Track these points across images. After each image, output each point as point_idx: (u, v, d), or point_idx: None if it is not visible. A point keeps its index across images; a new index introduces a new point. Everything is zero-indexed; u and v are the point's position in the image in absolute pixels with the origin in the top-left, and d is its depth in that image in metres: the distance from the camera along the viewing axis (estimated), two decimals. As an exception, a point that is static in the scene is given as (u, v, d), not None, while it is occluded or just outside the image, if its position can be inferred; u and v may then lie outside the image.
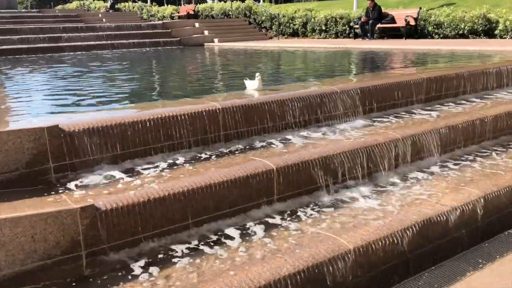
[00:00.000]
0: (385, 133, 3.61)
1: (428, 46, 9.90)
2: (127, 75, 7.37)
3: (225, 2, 21.27)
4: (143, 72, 7.75)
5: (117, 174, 2.75)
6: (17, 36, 12.79)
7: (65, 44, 12.88)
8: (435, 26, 13.13)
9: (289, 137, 3.54)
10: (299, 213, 2.85)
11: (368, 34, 13.70)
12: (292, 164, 3.00)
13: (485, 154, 3.94)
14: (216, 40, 15.51)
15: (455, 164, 3.66)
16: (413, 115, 4.29)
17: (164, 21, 18.93)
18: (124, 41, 13.58)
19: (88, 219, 2.28)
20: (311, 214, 2.83)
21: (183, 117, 3.19)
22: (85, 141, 2.79)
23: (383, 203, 2.96)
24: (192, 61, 10.13)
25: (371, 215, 2.79)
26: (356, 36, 14.39)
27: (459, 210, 2.89)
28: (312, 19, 16.01)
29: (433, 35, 13.18)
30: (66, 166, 2.75)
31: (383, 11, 14.05)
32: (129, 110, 3.74)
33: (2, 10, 24.31)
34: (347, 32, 15.05)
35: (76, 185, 2.58)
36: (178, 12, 22.73)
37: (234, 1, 19.42)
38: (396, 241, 2.58)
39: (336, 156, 3.19)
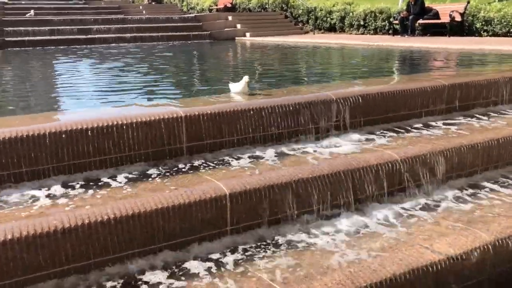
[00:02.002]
0: (380, 152, 2.99)
1: (470, 45, 8.94)
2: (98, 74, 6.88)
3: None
4: (130, 70, 7.23)
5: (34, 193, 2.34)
6: (48, 28, 12.85)
7: (95, 36, 12.83)
8: (484, 23, 11.98)
9: (261, 153, 3.00)
10: (255, 251, 2.33)
11: (408, 31, 12.72)
12: (252, 189, 2.48)
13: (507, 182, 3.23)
14: (248, 34, 15.02)
15: (466, 195, 2.98)
16: (426, 129, 3.62)
17: (197, 13, 18.63)
18: (152, 34, 13.38)
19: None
20: (270, 254, 2.30)
21: (132, 126, 2.74)
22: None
23: (360, 244, 2.37)
24: (209, 57, 9.72)
25: (336, 260, 2.21)
26: (395, 32, 13.45)
27: (454, 259, 2.26)
28: (351, 14, 15.16)
29: (482, 32, 12.04)
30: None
31: (426, 5, 13.02)
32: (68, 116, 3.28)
33: (54, 2, 24.96)
34: (386, 28, 14.11)
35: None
36: (216, 5, 22.40)
37: (272, -6, 18.81)
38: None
39: (312, 180, 2.63)
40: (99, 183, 2.51)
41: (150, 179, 2.60)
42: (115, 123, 2.71)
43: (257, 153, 3.03)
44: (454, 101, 4.08)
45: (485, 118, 3.96)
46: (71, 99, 4.36)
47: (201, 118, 2.96)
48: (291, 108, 3.27)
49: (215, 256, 2.29)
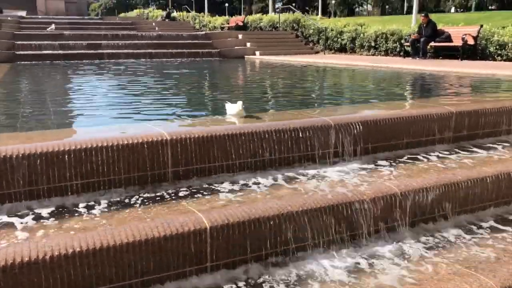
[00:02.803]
0: (380, 185, 2.77)
1: (483, 69, 8.70)
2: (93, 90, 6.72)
3: (274, 14, 20.79)
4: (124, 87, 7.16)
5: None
6: (58, 42, 12.94)
7: (104, 51, 12.88)
8: (498, 47, 11.76)
9: (251, 181, 2.81)
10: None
11: (419, 53, 12.54)
12: (235, 222, 2.28)
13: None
14: (257, 52, 14.98)
15: (470, 234, 2.74)
16: (431, 159, 3.40)
17: (207, 31, 18.71)
18: (161, 51, 13.39)
19: None
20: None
21: (113, 148, 2.57)
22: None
23: (359, 284, 2.15)
24: (213, 76, 9.58)
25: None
26: (406, 54, 13.28)
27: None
28: (361, 35, 15.06)
29: (495, 56, 11.81)
30: None
31: (438, 28, 12.86)
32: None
33: (70, 17, 25.42)
34: (397, 49, 13.96)
35: None
36: (228, 23, 22.54)
37: (283, 13, 18.86)
38: None
39: (299, 214, 2.42)
40: (72, 211, 2.33)
41: (128, 207, 2.41)
42: (94, 145, 2.55)
43: (248, 180, 2.83)
44: (462, 129, 3.86)
45: (496, 147, 3.73)
46: (51, 116, 4.17)
47: (188, 141, 2.79)
48: (286, 134, 3.08)
49: (192, 295, 2.09)
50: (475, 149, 3.68)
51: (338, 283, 2.17)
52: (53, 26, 15.71)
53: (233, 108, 3.47)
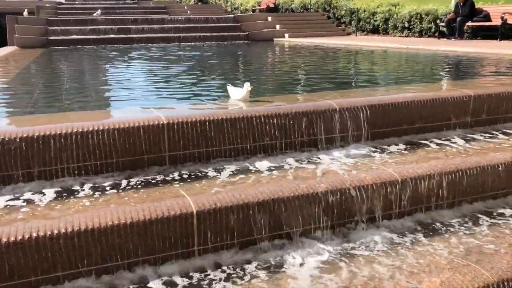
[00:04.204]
0: (379, 170, 2.68)
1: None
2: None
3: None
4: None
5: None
6: (89, 27, 13.21)
7: (134, 36, 13.04)
8: (540, 26, 11.06)
9: (250, 165, 2.77)
10: (223, 276, 2.11)
11: (455, 33, 11.97)
12: (223, 207, 2.26)
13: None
14: (286, 35, 14.75)
15: (474, 223, 2.60)
16: (443, 144, 3.25)
17: (236, 14, 18.57)
18: (191, 35, 13.42)
19: None
20: (239, 281, 2.08)
21: (109, 132, 2.60)
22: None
23: (343, 274, 2.09)
24: (235, 59, 9.48)
25: None
26: (442, 35, 12.71)
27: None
28: (395, 15, 14.51)
29: (537, 36, 11.12)
30: None
31: (477, 6, 12.20)
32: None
33: (107, 1, 25.81)
34: (432, 30, 13.37)
35: None
36: (259, 5, 22.26)
37: (315, -6, 18.43)
38: None
39: (289, 200, 2.37)
40: (64, 193, 2.38)
41: (120, 191, 2.44)
42: (90, 129, 2.58)
43: (246, 165, 2.81)
44: (481, 114, 3.67)
45: (515, 134, 3.52)
46: (51, 100, 4.24)
47: (185, 125, 2.78)
48: (287, 118, 3.02)
49: (178, 279, 2.10)
50: (494, 134, 3.49)
51: (327, 270, 2.12)
52: (99, 11, 16.04)
53: (239, 93, 3.43)
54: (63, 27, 13.20)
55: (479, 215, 2.69)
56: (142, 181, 2.56)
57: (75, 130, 2.55)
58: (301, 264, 2.18)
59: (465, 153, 3.04)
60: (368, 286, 1.99)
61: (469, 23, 12.02)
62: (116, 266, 2.12)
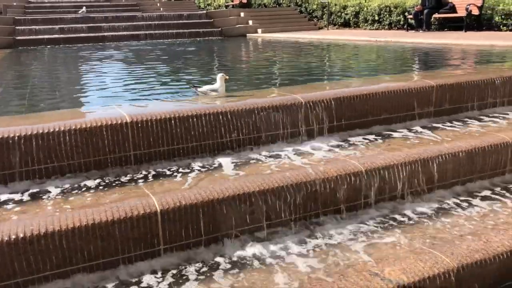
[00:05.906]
0: (344, 162, 2.71)
1: (484, 41, 8.43)
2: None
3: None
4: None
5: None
6: (58, 26, 12.91)
7: (105, 34, 12.82)
8: (503, 17, 11.36)
9: (216, 162, 2.78)
10: (189, 273, 2.11)
11: (423, 25, 12.19)
12: (188, 204, 2.26)
13: (494, 196, 2.90)
14: (259, 30, 14.76)
15: (434, 210, 2.67)
16: (407, 135, 3.31)
17: (208, 10, 18.46)
18: (163, 31, 13.27)
19: None
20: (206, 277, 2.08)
21: (71, 133, 2.55)
22: None
23: (302, 268, 2.12)
24: (204, 55, 9.43)
25: (281, 279, 1.97)
26: (411, 27, 12.93)
27: (406, 292, 1.98)
28: (365, 8, 14.69)
29: (501, 26, 11.42)
30: None
31: (444, -1, 12.44)
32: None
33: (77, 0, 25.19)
34: (401, 22, 13.58)
35: None
36: (232, 1, 22.18)
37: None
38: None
39: (257, 194, 2.38)
40: (25, 197, 2.33)
41: (85, 191, 2.41)
42: (51, 130, 2.53)
43: (211, 162, 2.80)
44: (444, 103, 3.75)
45: (477, 122, 3.62)
46: (13, 102, 4.14)
47: (150, 123, 2.76)
48: (254, 112, 3.02)
49: (144, 278, 2.09)
50: (454, 124, 3.58)
51: (296, 260, 2.14)
52: (84, 9, 15.66)
53: (214, 87, 3.46)
54: (31, 27, 12.86)
55: (445, 202, 2.76)
56: (106, 182, 2.53)
57: (35, 132, 2.49)
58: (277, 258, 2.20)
59: (427, 142, 3.11)
60: (333, 272, 2.02)
61: (436, 15, 12.26)
62: (77, 269, 2.09)
